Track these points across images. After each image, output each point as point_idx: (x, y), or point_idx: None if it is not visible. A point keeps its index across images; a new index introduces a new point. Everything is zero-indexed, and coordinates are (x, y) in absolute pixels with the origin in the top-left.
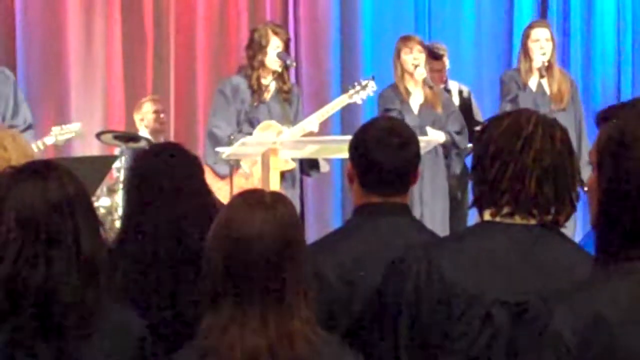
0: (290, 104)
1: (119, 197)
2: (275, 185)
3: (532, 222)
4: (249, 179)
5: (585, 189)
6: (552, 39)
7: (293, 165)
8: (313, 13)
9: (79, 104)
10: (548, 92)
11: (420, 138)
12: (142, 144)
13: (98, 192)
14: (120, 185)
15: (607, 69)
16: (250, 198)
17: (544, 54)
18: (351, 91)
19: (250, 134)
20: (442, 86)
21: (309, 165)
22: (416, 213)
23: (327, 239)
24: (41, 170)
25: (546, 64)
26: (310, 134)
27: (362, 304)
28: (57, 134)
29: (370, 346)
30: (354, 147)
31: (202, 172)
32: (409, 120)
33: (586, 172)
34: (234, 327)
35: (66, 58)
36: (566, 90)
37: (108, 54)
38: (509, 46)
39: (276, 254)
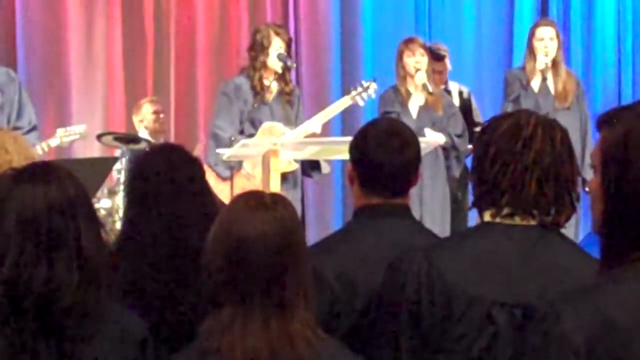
0: (291, 106)
1: (120, 199)
2: (275, 186)
3: (532, 223)
4: (251, 180)
5: (587, 189)
6: (558, 38)
7: (296, 166)
8: (313, 14)
9: (79, 105)
10: (552, 90)
11: (420, 139)
12: (143, 145)
13: (99, 193)
14: (121, 187)
15: (608, 70)
16: (251, 199)
17: (546, 54)
18: (353, 93)
19: (253, 135)
20: (442, 87)
21: (310, 167)
22: (416, 214)
23: (328, 241)
24: (42, 172)
25: (549, 64)
26: (313, 135)
27: (362, 306)
28: (62, 136)
29: (370, 348)
30: (354, 148)
31: (202, 173)
32: (407, 124)
33: (590, 174)
34: (235, 328)
35: (66, 59)
36: (571, 90)
37: (108, 55)
38: (509, 47)
39: (277, 255)
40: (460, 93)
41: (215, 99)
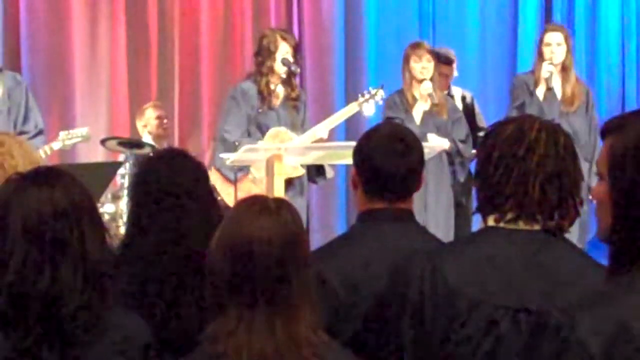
0: (297, 111)
1: (124, 204)
2: (279, 191)
3: (536, 227)
4: (257, 184)
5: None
6: (567, 43)
7: (302, 171)
8: (317, 18)
9: (83, 109)
10: (559, 95)
11: (424, 144)
12: (146, 150)
13: (102, 198)
14: (125, 192)
15: (612, 74)
16: (255, 204)
17: (550, 63)
18: (361, 99)
19: (260, 139)
20: (445, 92)
21: (315, 172)
22: (420, 220)
23: (331, 245)
24: (47, 176)
25: (558, 68)
26: (320, 140)
27: (365, 310)
28: (64, 139)
29: (374, 352)
30: (358, 153)
31: (206, 177)
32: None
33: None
34: (240, 332)
35: (71, 64)
36: (578, 96)
37: (112, 60)
38: (513, 51)
39: (282, 260)
40: (463, 98)
41: (224, 103)
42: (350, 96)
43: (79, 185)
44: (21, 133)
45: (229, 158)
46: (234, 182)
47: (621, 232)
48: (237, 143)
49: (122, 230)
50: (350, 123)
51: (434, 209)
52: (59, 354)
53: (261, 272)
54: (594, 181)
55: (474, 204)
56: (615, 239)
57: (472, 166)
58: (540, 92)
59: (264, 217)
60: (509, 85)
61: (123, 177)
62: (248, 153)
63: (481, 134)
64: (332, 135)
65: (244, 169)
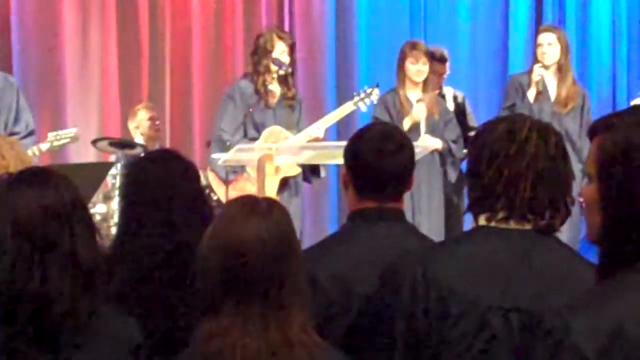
0: (293, 110)
1: (115, 204)
2: (271, 191)
3: (527, 226)
4: (254, 183)
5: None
6: (561, 42)
7: (299, 170)
8: (308, 18)
9: (75, 111)
10: (553, 96)
11: (416, 144)
12: (138, 151)
13: (94, 198)
14: (116, 192)
15: (603, 75)
16: (246, 205)
17: (542, 65)
18: (356, 98)
19: (256, 138)
20: (436, 92)
21: (310, 171)
22: (412, 219)
23: (322, 245)
24: (37, 176)
25: (553, 68)
26: (316, 139)
27: (357, 310)
28: (52, 140)
29: (365, 352)
30: (348, 152)
31: (197, 178)
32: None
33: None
34: (234, 331)
35: (62, 65)
36: (573, 98)
37: (104, 61)
38: (504, 52)
39: (274, 260)
40: (455, 98)
41: (220, 102)
42: (341, 96)
43: (70, 186)
44: (12, 134)
45: (221, 158)
46: (226, 182)
47: (611, 233)
48: (228, 143)
49: (114, 230)
50: (342, 123)
51: (427, 209)
52: (49, 355)
53: (253, 273)
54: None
55: (465, 203)
56: (605, 240)
57: (464, 166)
58: (531, 94)
59: (255, 218)
60: (499, 85)
61: (114, 178)
62: (239, 153)
63: (472, 133)
64: (324, 135)
65: (238, 169)
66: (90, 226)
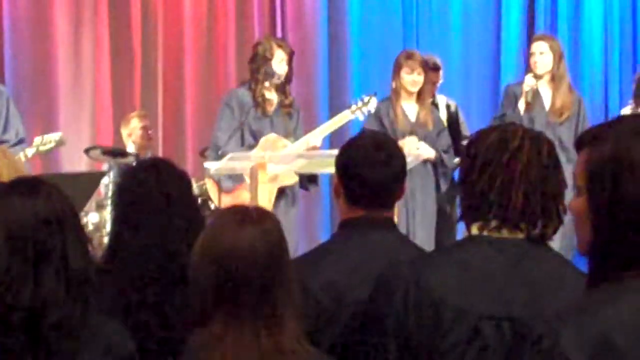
0: (291, 118)
1: (108, 213)
2: (268, 200)
3: (520, 236)
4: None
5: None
6: (553, 52)
7: (296, 178)
8: (301, 25)
9: (67, 119)
10: (548, 105)
11: (407, 153)
12: (130, 159)
13: (87, 207)
14: (109, 201)
15: (595, 83)
16: (237, 214)
17: (534, 75)
18: (354, 107)
19: (254, 146)
20: (430, 100)
21: (307, 179)
22: (405, 228)
23: (313, 253)
24: (29, 186)
25: (547, 77)
26: (314, 148)
27: (348, 319)
28: (38, 145)
29: None
30: (340, 161)
31: (190, 187)
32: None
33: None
34: (227, 341)
35: (54, 72)
36: (568, 107)
37: (96, 68)
38: (497, 60)
39: (266, 269)
40: (448, 106)
41: (217, 109)
42: (333, 104)
43: (61, 195)
44: (1, 142)
45: (213, 167)
46: (223, 191)
47: (601, 245)
48: (220, 152)
49: (106, 240)
50: (334, 132)
51: (420, 218)
52: None
53: (244, 282)
54: None
55: (458, 212)
56: (595, 252)
57: (456, 175)
58: (521, 105)
59: (248, 227)
60: (492, 93)
61: (107, 187)
62: (232, 162)
63: (465, 142)
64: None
65: (234, 177)
66: (81, 235)
